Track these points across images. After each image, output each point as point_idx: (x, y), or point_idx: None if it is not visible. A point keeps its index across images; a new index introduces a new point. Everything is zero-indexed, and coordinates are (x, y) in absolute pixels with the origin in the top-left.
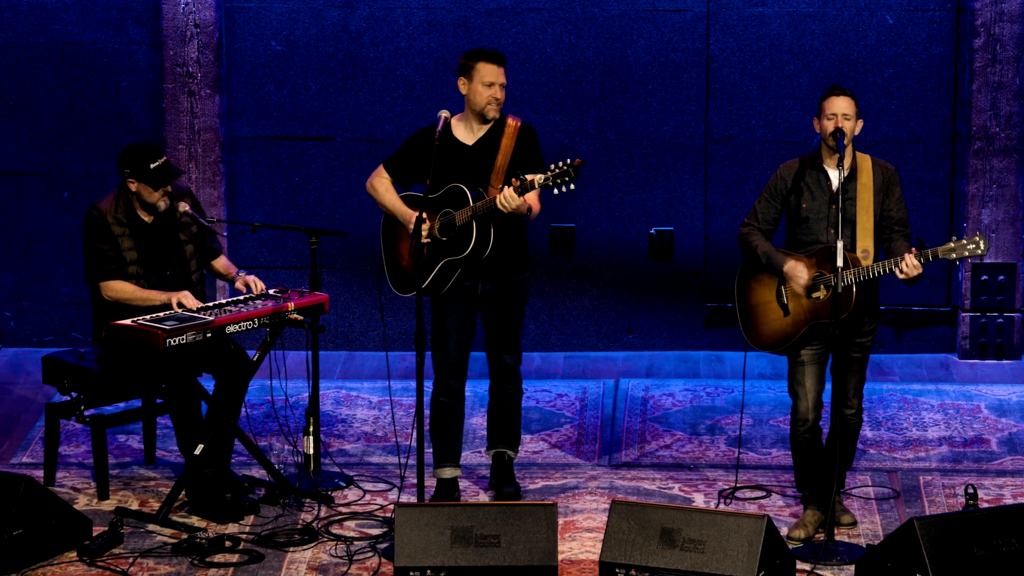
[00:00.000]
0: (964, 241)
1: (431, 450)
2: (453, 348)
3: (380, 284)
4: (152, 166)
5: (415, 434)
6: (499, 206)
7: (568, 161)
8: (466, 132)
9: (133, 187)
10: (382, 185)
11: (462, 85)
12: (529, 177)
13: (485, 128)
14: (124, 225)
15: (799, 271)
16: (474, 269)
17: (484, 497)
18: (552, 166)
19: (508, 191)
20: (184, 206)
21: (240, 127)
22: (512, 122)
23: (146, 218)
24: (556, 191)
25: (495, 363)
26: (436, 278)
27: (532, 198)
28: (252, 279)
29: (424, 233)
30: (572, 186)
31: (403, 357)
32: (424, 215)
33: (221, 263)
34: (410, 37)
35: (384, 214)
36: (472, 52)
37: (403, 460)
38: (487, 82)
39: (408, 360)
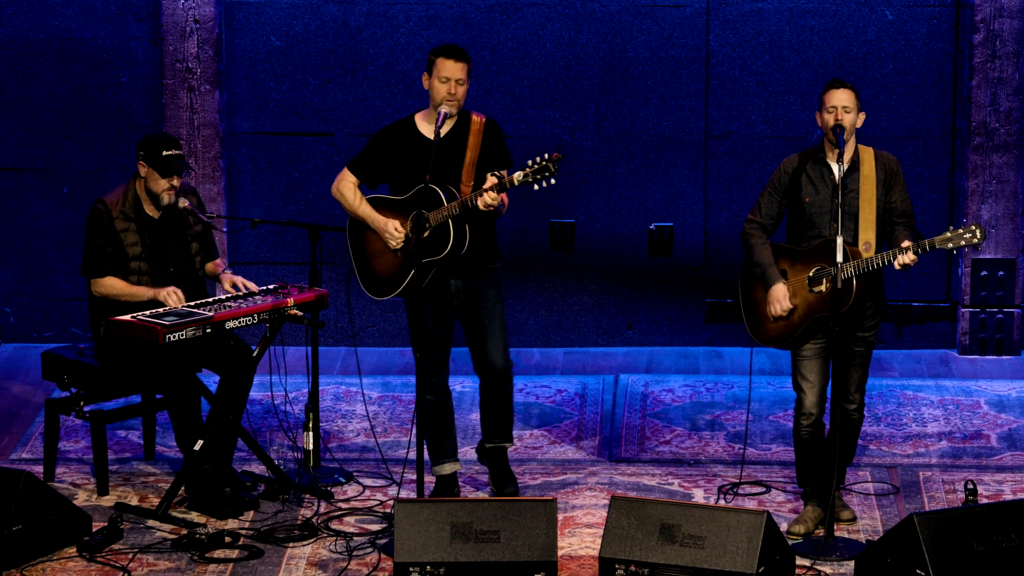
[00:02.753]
0: (961, 231)
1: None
2: (432, 346)
3: (348, 288)
4: (164, 153)
5: (415, 429)
6: (482, 207)
7: (546, 156)
8: (431, 128)
9: (143, 171)
10: (349, 190)
11: (425, 80)
12: (506, 176)
13: (449, 124)
14: (130, 219)
15: (777, 299)
16: (447, 267)
17: (483, 493)
18: (530, 162)
19: (490, 193)
20: (185, 201)
21: (240, 123)
22: (477, 118)
23: (153, 213)
24: (536, 187)
25: (482, 363)
26: (412, 280)
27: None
28: (240, 280)
29: (400, 237)
30: (553, 180)
31: (402, 352)
32: (399, 220)
33: (213, 263)
34: (410, 33)
35: (349, 218)
36: (436, 48)
37: (384, 455)
38: (443, 77)
39: (408, 356)
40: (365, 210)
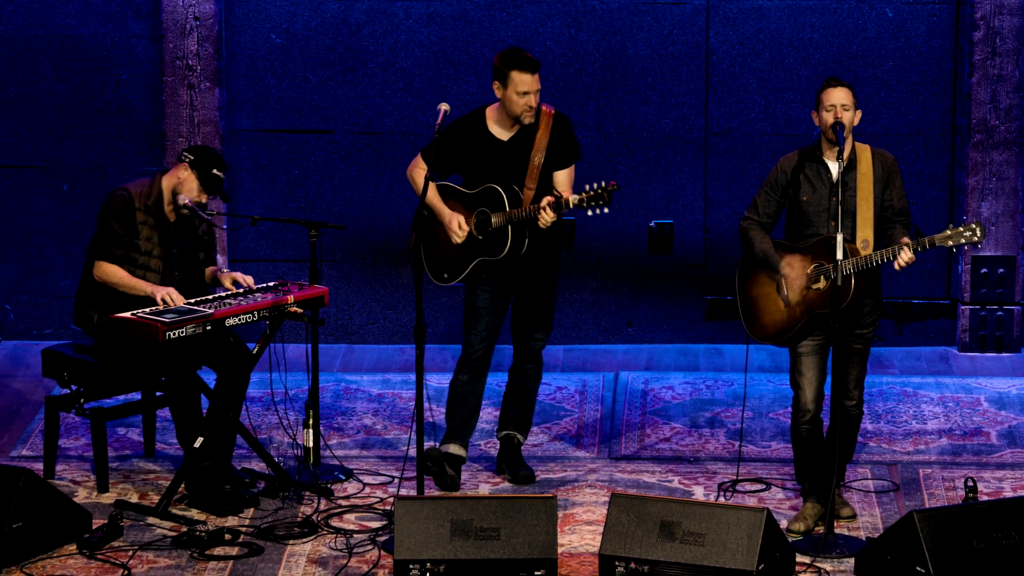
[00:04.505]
0: (960, 228)
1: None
2: (483, 327)
3: (416, 269)
4: (214, 171)
5: (415, 426)
6: (540, 225)
7: (603, 184)
8: (501, 128)
9: (183, 174)
10: (420, 176)
11: (497, 89)
12: (564, 196)
13: (520, 125)
14: (151, 214)
15: (793, 270)
16: (508, 261)
17: (484, 489)
18: (587, 187)
19: (547, 212)
20: (184, 199)
21: (240, 120)
22: (546, 110)
23: (169, 215)
24: (590, 212)
25: (521, 340)
26: (470, 274)
27: (565, 187)
28: (239, 275)
29: (462, 235)
30: (606, 210)
31: (402, 350)
32: (464, 215)
33: (209, 271)
34: (410, 30)
35: (419, 202)
36: (506, 57)
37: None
38: (521, 91)
39: (408, 353)
40: (433, 199)
